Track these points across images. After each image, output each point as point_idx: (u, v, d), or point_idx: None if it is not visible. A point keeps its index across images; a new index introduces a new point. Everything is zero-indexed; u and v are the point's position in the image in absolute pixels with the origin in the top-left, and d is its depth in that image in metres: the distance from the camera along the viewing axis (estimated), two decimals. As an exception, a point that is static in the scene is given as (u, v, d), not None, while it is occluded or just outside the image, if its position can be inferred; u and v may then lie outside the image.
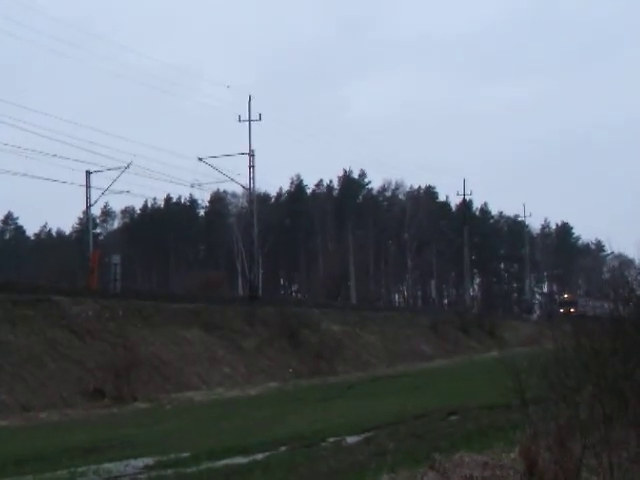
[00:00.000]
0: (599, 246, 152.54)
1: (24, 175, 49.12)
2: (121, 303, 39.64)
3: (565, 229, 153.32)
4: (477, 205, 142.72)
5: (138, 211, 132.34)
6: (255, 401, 30.36)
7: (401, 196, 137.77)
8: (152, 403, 30.50)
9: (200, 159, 57.54)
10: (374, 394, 29.21)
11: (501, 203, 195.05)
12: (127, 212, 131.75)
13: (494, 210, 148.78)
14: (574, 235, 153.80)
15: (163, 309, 41.65)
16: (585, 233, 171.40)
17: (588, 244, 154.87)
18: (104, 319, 37.19)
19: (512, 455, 11.75)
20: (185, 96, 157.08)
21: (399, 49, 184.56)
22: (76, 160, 51.22)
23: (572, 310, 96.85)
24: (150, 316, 39.97)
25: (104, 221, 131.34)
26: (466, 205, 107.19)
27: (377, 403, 24.91)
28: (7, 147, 45.29)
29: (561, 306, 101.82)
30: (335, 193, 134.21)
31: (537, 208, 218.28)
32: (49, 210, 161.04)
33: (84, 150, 51.50)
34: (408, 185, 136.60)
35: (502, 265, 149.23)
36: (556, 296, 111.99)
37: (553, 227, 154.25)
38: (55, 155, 48.35)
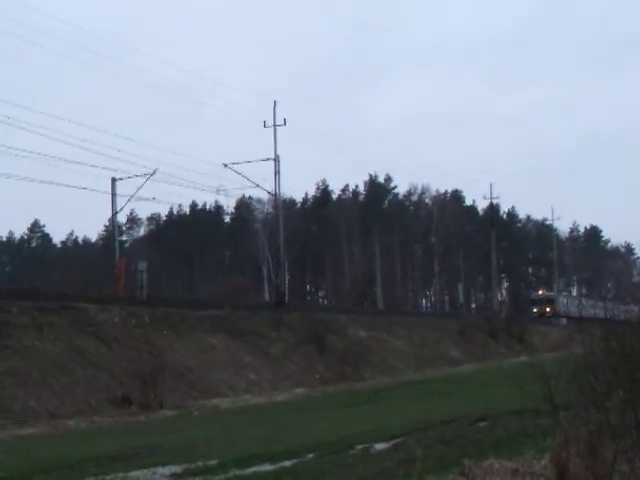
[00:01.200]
0: (629, 249, 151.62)
1: (50, 183, 49.53)
2: (147, 310, 39.76)
3: (594, 232, 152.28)
4: (504, 209, 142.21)
5: (164, 218, 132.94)
6: (282, 407, 30.35)
7: (427, 200, 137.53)
8: (179, 410, 30.54)
9: (225, 165, 57.78)
10: (401, 400, 29.13)
11: (529, 207, 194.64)
12: (153, 219, 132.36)
13: (522, 214, 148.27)
14: (603, 238, 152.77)
15: (189, 316, 41.74)
16: (614, 236, 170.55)
17: (617, 247, 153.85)
18: (130, 326, 37.33)
19: (543, 462, 11.65)
20: (210, 103, 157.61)
21: (422, 53, 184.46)
22: (102, 167, 51.56)
23: (548, 310, 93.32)
24: (176, 323, 40.08)
25: (130, 228, 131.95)
26: (493, 209, 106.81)
27: (405, 409, 24.84)
28: (33, 155, 45.57)
29: (534, 305, 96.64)
30: (361, 198, 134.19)
31: (565, 211, 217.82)
32: (75, 218, 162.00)
33: (110, 157, 51.85)
34: (434, 189, 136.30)
35: (530, 269, 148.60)
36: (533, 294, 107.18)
37: (582, 230, 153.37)
38: (81, 162, 48.64)
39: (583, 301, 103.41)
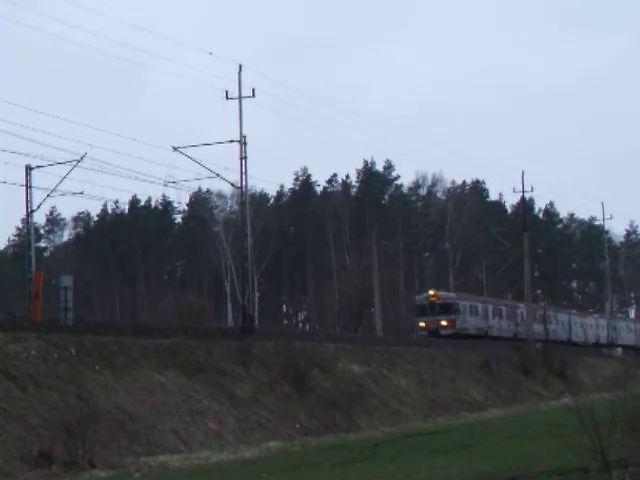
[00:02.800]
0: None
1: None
2: (74, 339, 39.61)
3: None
4: (540, 205, 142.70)
5: (95, 218, 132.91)
6: (250, 467, 30.28)
7: (440, 194, 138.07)
8: (115, 470, 30.43)
9: (175, 149, 57.54)
10: (407, 456, 29.11)
11: (572, 203, 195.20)
12: (80, 219, 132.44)
13: (563, 212, 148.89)
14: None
15: (129, 346, 41.64)
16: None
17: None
18: (52, 361, 37.17)
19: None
20: (156, 68, 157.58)
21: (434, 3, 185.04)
22: (13, 152, 51.22)
23: (445, 324, 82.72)
24: (112, 355, 39.98)
25: (50, 231, 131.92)
26: (526, 205, 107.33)
27: (412, 467, 24.82)
28: None
29: (421, 316, 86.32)
30: (353, 191, 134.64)
31: (620, 209, 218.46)
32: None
33: (24, 139, 51.38)
34: (449, 180, 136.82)
35: (574, 284, 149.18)
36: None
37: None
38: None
39: (572, 317, 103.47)
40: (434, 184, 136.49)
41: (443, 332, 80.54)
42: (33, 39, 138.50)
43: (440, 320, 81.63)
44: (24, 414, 32.93)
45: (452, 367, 63.62)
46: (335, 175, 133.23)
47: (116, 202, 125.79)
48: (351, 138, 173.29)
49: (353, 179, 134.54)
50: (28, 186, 54.84)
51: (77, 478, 28.94)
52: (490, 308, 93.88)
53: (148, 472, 30.58)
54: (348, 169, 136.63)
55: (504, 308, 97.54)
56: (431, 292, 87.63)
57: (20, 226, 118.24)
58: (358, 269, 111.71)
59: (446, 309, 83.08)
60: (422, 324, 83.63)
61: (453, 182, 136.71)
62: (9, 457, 30.31)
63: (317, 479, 24.43)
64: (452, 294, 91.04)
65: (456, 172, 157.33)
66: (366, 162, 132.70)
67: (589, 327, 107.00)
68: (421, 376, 59.00)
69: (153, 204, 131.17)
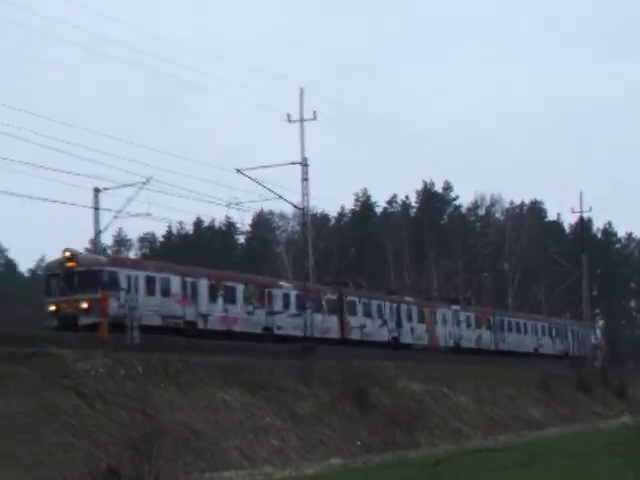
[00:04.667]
0: None
1: (13, 194, 49.60)
2: (140, 357, 39.80)
3: None
4: (598, 225, 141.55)
5: (160, 238, 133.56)
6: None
7: (498, 214, 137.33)
8: (179, 486, 30.54)
9: (238, 171, 57.77)
10: (468, 473, 28.95)
11: (630, 222, 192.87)
12: (146, 240, 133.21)
13: (621, 231, 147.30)
14: None
15: (194, 364, 41.73)
16: None
17: None
18: (119, 378, 37.36)
19: None
20: (218, 91, 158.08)
21: (486, 32, 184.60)
22: (82, 175, 51.60)
23: (86, 307, 48.76)
24: (177, 373, 40.08)
25: (117, 252, 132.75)
26: (584, 225, 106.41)
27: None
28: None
29: (51, 295, 51.08)
30: (413, 212, 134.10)
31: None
32: (47, 239, 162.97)
33: (92, 162, 51.71)
34: (507, 200, 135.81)
35: (633, 303, 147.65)
36: None
37: None
38: (55, 169, 48.69)
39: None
40: (493, 204, 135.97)
41: (85, 321, 48.44)
42: (98, 63, 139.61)
43: (79, 300, 49.60)
44: (93, 431, 33.12)
45: (511, 385, 63.14)
46: (395, 196, 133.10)
47: (181, 223, 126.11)
48: (410, 159, 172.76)
49: (412, 200, 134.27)
50: (96, 208, 55.30)
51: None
52: (529, 325, 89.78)
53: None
54: (407, 190, 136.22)
55: (553, 326, 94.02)
56: (67, 254, 51.30)
57: (89, 247, 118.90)
58: (418, 287, 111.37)
59: (90, 282, 50.44)
60: (52, 307, 50.26)
61: (511, 202, 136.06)
62: (79, 473, 30.42)
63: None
64: (103, 257, 55.96)
65: (514, 193, 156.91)
66: (425, 183, 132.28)
67: None
68: (480, 394, 58.61)
69: (217, 225, 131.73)
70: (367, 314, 68.89)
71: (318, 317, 62.41)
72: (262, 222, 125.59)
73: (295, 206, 62.53)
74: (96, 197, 56.08)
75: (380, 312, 70.09)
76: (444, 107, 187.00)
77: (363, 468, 35.93)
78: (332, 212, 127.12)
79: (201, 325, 54.63)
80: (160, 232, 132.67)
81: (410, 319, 73.17)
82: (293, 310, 60.91)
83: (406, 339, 71.96)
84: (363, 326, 67.80)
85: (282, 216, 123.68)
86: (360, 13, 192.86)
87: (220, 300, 56.07)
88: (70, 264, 50.67)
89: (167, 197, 60.04)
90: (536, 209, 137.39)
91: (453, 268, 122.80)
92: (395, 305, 72.17)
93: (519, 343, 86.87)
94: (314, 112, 57.76)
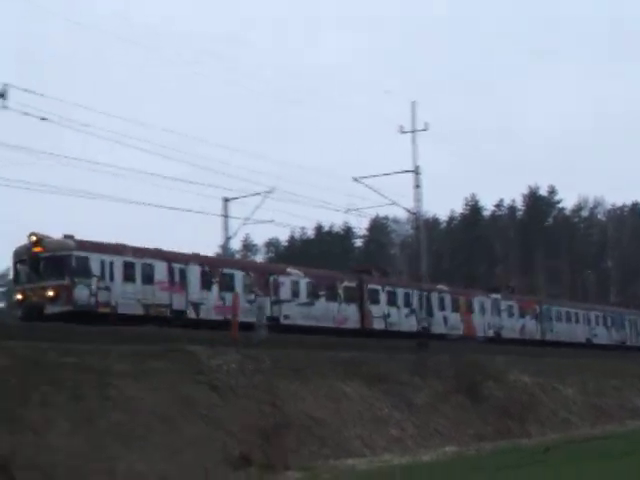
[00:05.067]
0: None
1: (149, 205, 50.35)
2: (268, 353, 40.11)
3: None
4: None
5: (284, 243, 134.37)
6: (429, 470, 30.17)
7: (601, 216, 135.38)
8: (307, 472, 30.64)
9: (355, 180, 58.01)
10: (576, 460, 28.61)
11: None
12: (271, 244, 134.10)
13: None
14: None
15: (316, 359, 41.91)
16: None
17: None
18: (248, 372, 37.69)
19: None
20: (336, 106, 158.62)
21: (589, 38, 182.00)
22: (212, 186, 52.36)
23: (52, 294, 44.04)
24: (302, 368, 40.28)
25: (245, 256, 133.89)
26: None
27: (581, 472, 24.39)
28: (131, 173, 46.72)
29: (18, 283, 46.95)
30: (519, 215, 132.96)
31: None
32: (180, 244, 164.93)
33: (220, 174, 52.57)
34: (609, 202, 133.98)
35: None
36: None
37: None
38: (188, 181, 49.43)
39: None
40: (595, 206, 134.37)
41: (51, 310, 43.70)
42: (222, 79, 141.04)
43: (45, 288, 44.30)
44: (225, 421, 33.45)
45: (616, 377, 62.14)
46: (502, 200, 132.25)
47: (302, 228, 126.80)
48: (516, 166, 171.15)
49: (519, 203, 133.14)
50: (225, 216, 56.08)
51: (273, 479, 29.26)
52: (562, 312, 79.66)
53: (337, 474, 30.76)
54: (514, 194, 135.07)
55: (609, 316, 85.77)
56: (33, 237, 45.43)
57: (219, 252, 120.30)
58: (525, 286, 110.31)
59: (57, 268, 45.03)
60: (18, 296, 45.67)
61: (613, 204, 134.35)
62: (214, 460, 30.80)
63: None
64: (71, 241, 46.04)
65: (616, 195, 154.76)
66: (531, 188, 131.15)
67: None
68: (586, 386, 57.81)
69: (336, 230, 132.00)
70: (392, 303, 61.80)
71: (333, 306, 57.28)
72: (378, 226, 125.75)
73: (408, 211, 62.36)
74: (225, 206, 56.85)
75: (407, 301, 63.03)
76: (545, 115, 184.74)
77: (477, 455, 35.75)
78: (443, 216, 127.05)
79: (191, 314, 49.27)
80: (284, 237, 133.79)
81: (443, 308, 66.35)
82: (303, 298, 55.12)
83: (438, 329, 64.92)
84: (387, 315, 61.24)
85: (396, 221, 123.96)
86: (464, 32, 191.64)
87: (215, 288, 50.42)
88: (36, 249, 45.35)
89: (290, 205, 60.69)
90: (637, 210, 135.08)
91: (558, 268, 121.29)
92: (425, 293, 63.95)
93: (569, 333, 79.55)
94: (425, 124, 57.84)
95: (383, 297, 61.01)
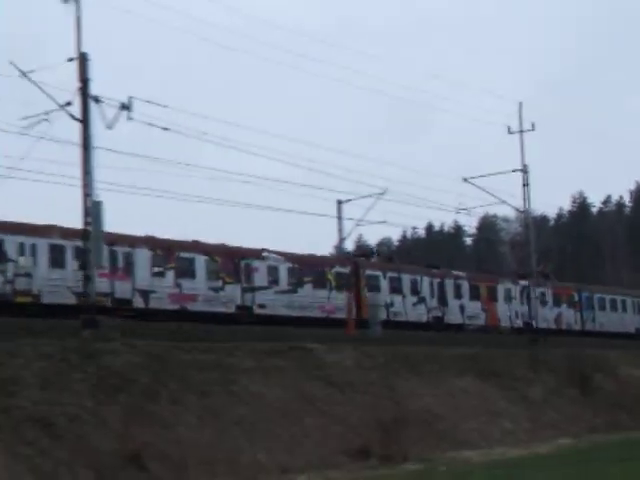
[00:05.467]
0: None
1: (268, 208, 50.68)
2: (383, 349, 40.25)
3: None
4: None
5: (396, 242, 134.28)
6: (544, 462, 29.91)
7: None
8: (424, 463, 30.63)
9: (465, 180, 57.73)
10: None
11: None
12: (383, 244, 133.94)
13: None
14: None
15: (431, 354, 41.90)
16: None
17: None
18: (365, 368, 37.86)
19: None
20: (444, 109, 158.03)
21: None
22: (326, 189, 52.65)
23: None
24: (418, 363, 40.29)
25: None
26: None
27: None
28: (249, 178, 47.17)
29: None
30: (627, 211, 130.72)
31: None
32: (294, 246, 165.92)
33: (334, 177, 52.85)
34: None
35: None
36: None
37: None
38: (304, 184, 49.51)
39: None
40: None
41: None
42: (335, 86, 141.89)
43: None
44: (344, 415, 33.64)
45: None
46: (609, 196, 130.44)
47: (414, 228, 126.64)
48: (623, 162, 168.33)
49: (627, 199, 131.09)
50: (339, 217, 56.38)
51: (392, 470, 29.32)
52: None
53: (454, 465, 30.70)
54: (622, 191, 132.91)
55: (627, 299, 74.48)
56: None
57: (333, 252, 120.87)
58: (634, 283, 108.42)
59: None
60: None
61: None
62: (333, 451, 30.99)
63: (612, 472, 23.91)
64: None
65: None
66: (638, 183, 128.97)
67: None
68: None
69: (446, 229, 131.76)
70: (396, 290, 54.67)
71: (322, 294, 50.06)
72: (487, 225, 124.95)
73: (517, 209, 61.91)
74: (339, 208, 57.17)
75: (415, 288, 55.92)
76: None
77: (590, 447, 35.32)
78: (551, 213, 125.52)
79: (139, 304, 42.89)
80: (396, 237, 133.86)
81: (459, 296, 58.75)
82: (284, 286, 48.24)
83: (454, 319, 57.98)
84: (390, 304, 53.82)
85: (505, 219, 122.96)
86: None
87: (171, 274, 44.03)
88: None
89: (402, 206, 60.79)
90: None
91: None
92: (437, 280, 57.57)
93: (616, 322, 71.14)
94: (532, 124, 57.39)
95: (384, 284, 54.05)
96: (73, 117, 36.39)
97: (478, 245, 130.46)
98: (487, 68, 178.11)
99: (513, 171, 57.63)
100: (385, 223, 60.39)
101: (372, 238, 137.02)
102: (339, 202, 57.47)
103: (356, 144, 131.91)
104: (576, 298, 68.30)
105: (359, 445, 31.55)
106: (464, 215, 63.42)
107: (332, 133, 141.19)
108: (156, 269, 43.48)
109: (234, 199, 63.58)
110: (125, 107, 37.60)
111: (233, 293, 45.63)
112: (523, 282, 62.76)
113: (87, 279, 35.19)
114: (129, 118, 37.92)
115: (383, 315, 51.02)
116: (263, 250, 48.30)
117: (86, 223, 35.57)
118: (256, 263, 47.10)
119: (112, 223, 38.30)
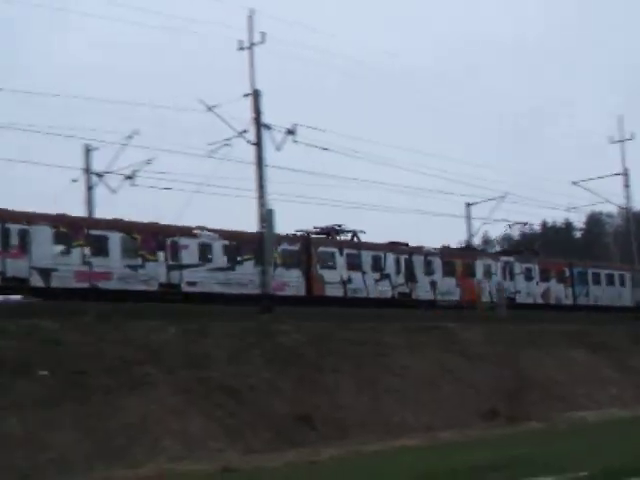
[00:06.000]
0: None
1: (414, 212, 50.68)
2: (507, 327, 39.94)
3: None
4: None
5: (516, 237, 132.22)
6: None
7: None
8: (545, 423, 30.18)
9: (574, 183, 56.82)
10: None
11: None
12: (504, 239, 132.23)
13: None
14: None
15: (548, 331, 41.32)
16: None
17: None
18: (492, 343, 37.64)
19: None
20: (556, 124, 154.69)
21: None
22: (457, 194, 52.57)
23: None
24: (536, 338, 39.78)
25: (483, 250, 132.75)
26: None
27: None
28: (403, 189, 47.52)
29: None
30: None
31: None
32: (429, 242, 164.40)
33: (464, 184, 52.81)
34: None
35: None
36: None
37: None
38: (440, 191, 49.37)
39: None
40: None
41: None
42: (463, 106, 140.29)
43: None
44: (476, 383, 33.47)
45: None
46: None
47: (531, 225, 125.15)
48: None
49: None
50: (468, 217, 56.24)
51: (517, 429, 28.98)
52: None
53: (570, 424, 30.18)
54: None
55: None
56: None
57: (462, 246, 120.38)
58: None
59: None
60: None
61: None
62: (467, 413, 30.87)
63: None
64: None
65: None
66: None
67: None
68: None
69: (558, 225, 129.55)
70: (354, 267, 46.02)
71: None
72: (593, 220, 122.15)
73: (619, 207, 60.64)
74: (468, 210, 56.91)
75: (378, 265, 47.06)
76: None
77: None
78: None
79: (37, 282, 35.19)
80: (515, 233, 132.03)
81: (430, 272, 49.31)
82: (219, 263, 40.58)
83: (423, 295, 48.44)
84: (347, 281, 45.65)
85: (609, 215, 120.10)
86: None
87: (77, 252, 36.47)
88: None
89: (520, 206, 60.34)
90: None
91: None
92: (404, 257, 48.17)
93: (612, 296, 60.99)
94: (631, 134, 56.59)
95: (341, 261, 45.65)
96: (249, 142, 37.31)
97: (586, 238, 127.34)
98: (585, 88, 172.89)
99: (614, 175, 56.75)
100: (507, 222, 59.88)
101: (495, 234, 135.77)
102: (467, 204, 57.15)
103: (480, 154, 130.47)
104: (567, 273, 58.46)
105: (489, 407, 31.36)
106: (573, 213, 62.37)
107: (460, 145, 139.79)
108: (60, 247, 35.97)
109: (382, 204, 63.45)
110: (290, 132, 38.43)
111: (156, 271, 38.12)
112: (505, 258, 54.96)
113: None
114: (294, 141, 38.69)
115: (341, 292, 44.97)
116: (195, 228, 40.43)
117: (261, 227, 36.66)
118: (185, 240, 39.53)
119: (282, 227, 39.18)
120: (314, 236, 46.14)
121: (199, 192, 39.27)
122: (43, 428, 21.38)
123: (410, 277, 47.83)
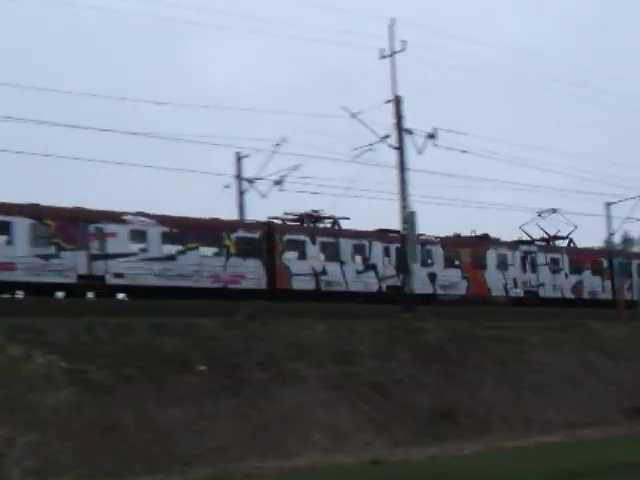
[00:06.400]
0: None
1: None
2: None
3: None
4: None
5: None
6: None
7: None
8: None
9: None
10: None
11: None
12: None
13: None
14: None
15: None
16: None
17: None
18: (634, 341, 36.61)
19: None
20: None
21: None
22: (593, 193, 51.29)
23: None
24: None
25: (624, 250, 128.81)
26: None
27: None
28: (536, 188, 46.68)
29: None
30: None
31: None
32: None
33: (603, 183, 51.44)
34: None
35: None
36: None
37: None
38: (579, 191, 48.15)
39: None
40: None
41: None
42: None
43: None
44: (618, 380, 32.66)
45: None
46: None
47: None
48: None
49: None
50: (609, 216, 54.82)
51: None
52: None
53: None
54: None
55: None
56: None
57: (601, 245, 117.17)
58: None
59: None
60: None
61: None
62: (610, 410, 30.17)
63: None
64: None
65: None
66: None
67: None
68: None
69: None
70: (331, 257, 38.69)
71: (216, 261, 35.39)
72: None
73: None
74: (608, 209, 55.34)
75: (362, 254, 39.62)
76: None
77: None
78: None
79: None
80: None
81: (428, 263, 41.28)
82: (156, 252, 33.98)
83: (420, 288, 38.45)
84: (321, 272, 38.10)
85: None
86: None
87: None
88: None
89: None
90: None
91: None
92: (395, 246, 39.82)
93: None
94: None
95: (313, 250, 38.37)
96: (391, 146, 37.43)
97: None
98: None
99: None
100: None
101: (637, 232, 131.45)
102: (607, 204, 55.53)
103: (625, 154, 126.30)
104: (605, 264, 49.77)
105: (632, 405, 30.47)
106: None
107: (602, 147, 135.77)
108: None
109: (521, 204, 62.40)
110: (431, 136, 38.25)
111: (73, 261, 31.81)
112: (525, 247, 46.35)
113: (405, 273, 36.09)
114: (434, 145, 38.51)
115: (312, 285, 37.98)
116: (124, 213, 33.85)
117: (403, 229, 36.71)
118: (112, 227, 33.04)
119: (424, 228, 39.07)
120: (278, 222, 39.49)
121: (344, 195, 39.50)
122: (202, 419, 22.07)
123: (402, 268, 38.58)
